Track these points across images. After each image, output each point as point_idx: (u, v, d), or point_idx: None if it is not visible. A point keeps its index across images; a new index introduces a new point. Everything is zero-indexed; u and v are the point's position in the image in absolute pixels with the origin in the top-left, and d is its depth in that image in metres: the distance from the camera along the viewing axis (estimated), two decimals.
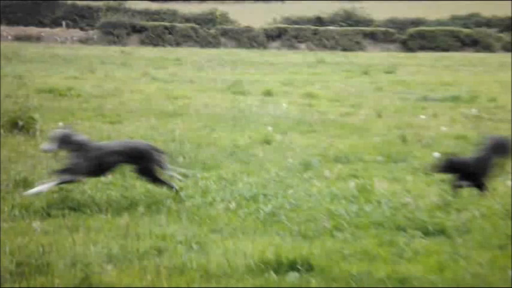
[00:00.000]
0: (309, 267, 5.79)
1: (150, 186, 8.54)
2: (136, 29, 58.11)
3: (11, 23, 59.15)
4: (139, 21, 58.96)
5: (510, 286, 4.93)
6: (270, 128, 13.74)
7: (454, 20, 61.60)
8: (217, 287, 5.42)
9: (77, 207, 7.54)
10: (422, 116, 16.58)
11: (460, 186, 8.68)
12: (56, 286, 5.25)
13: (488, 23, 59.97)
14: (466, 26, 59.36)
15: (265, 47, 56.47)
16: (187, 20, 62.55)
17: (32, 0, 61.39)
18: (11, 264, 5.64)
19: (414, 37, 57.40)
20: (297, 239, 6.67)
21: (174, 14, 63.81)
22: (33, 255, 5.82)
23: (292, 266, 5.78)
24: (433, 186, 9.23)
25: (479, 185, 8.67)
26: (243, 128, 13.97)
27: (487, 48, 55.57)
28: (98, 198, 7.90)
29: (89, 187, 8.40)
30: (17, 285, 5.27)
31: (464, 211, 7.81)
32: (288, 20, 63.40)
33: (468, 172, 8.62)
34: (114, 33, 56.97)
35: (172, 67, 31.59)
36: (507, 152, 8.97)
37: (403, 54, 48.72)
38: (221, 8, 68.75)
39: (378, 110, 17.29)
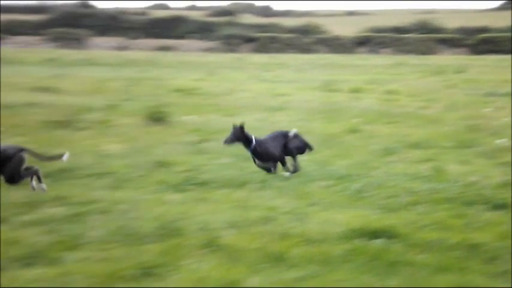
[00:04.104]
0: (391, 235, 5.70)
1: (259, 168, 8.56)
2: (248, 40, 58.65)
3: (150, 36, 60.93)
4: (251, 33, 59.45)
5: None
6: (357, 120, 13.57)
7: None
8: (314, 249, 5.40)
9: (203, 183, 7.66)
10: (488, 109, 16.00)
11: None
12: (188, 246, 5.36)
13: None
14: None
15: (352, 52, 55.78)
16: (289, 31, 62.68)
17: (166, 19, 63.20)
18: (153, 228, 5.78)
19: (481, 42, 55.50)
20: (381, 212, 6.56)
21: (278, 27, 64.10)
22: (170, 221, 5.96)
23: (377, 234, 5.70)
24: (497, 168, 8.90)
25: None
26: (335, 119, 13.85)
27: None
28: (219, 177, 8.00)
29: (212, 168, 8.53)
30: (158, 244, 5.41)
31: None
32: (372, 29, 62.48)
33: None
34: (230, 43, 57.70)
35: (276, 70, 31.64)
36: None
37: (470, 57, 47.09)
38: (316, 21, 68.42)
39: (449, 104, 16.81)
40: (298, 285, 4.62)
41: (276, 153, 8.28)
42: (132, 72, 27.48)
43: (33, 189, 7.12)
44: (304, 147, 8.55)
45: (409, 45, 57.05)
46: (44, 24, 62.28)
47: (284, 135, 8.46)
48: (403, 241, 5.60)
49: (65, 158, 7.44)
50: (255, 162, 8.35)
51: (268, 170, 8.34)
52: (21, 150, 7.21)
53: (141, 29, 63.36)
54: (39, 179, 7.16)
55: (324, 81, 23.22)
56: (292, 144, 8.41)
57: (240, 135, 8.25)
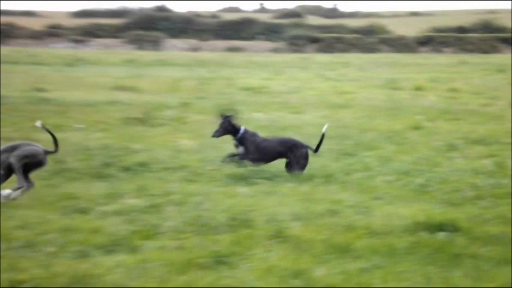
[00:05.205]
0: (455, 228, 5.56)
1: (325, 162, 8.51)
2: (313, 40, 58.40)
3: (221, 38, 61.61)
4: (316, 34, 59.20)
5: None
6: (419, 117, 13.30)
7: None
8: (379, 241, 5.33)
9: (270, 177, 7.64)
10: None
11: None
12: (257, 236, 5.38)
13: None
14: None
15: (415, 52, 54.71)
16: (353, 31, 62.05)
17: (234, 21, 63.88)
18: (225, 219, 5.82)
19: None
20: (444, 206, 6.42)
21: (342, 27, 63.58)
22: (240, 213, 5.99)
23: (441, 227, 5.57)
24: None
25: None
26: (398, 116, 13.63)
27: None
28: (286, 171, 7.97)
29: (279, 162, 8.51)
30: (229, 234, 5.44)
31: None
32: (435, 29, 61.12)
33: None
34: (296, 44, 57.63)
35: (340, 69, 31.36)
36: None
37: None
38: (381, 21, 67.50)
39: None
40: (363, 275, 4.57)
41: (253, 147, 7.85)
42: (204, 72, 27.81)
43: (4, 197, 6.43)
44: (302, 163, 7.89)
45: (471, 44, 55.50)
46: (123, 28, 63.77)
47: (282, 143, 7.93)
48: (467, 234, 5.46)
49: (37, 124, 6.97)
50: (236, 146, 7.98)
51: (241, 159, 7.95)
52: (47, 153, 6.75)
53: (212, 31, 64.07)
54: (16, 189, 6.53)
55: (387, 80, 22.87)
56: (292, 158, 7.86)
57: (227, 127, 7.94)
